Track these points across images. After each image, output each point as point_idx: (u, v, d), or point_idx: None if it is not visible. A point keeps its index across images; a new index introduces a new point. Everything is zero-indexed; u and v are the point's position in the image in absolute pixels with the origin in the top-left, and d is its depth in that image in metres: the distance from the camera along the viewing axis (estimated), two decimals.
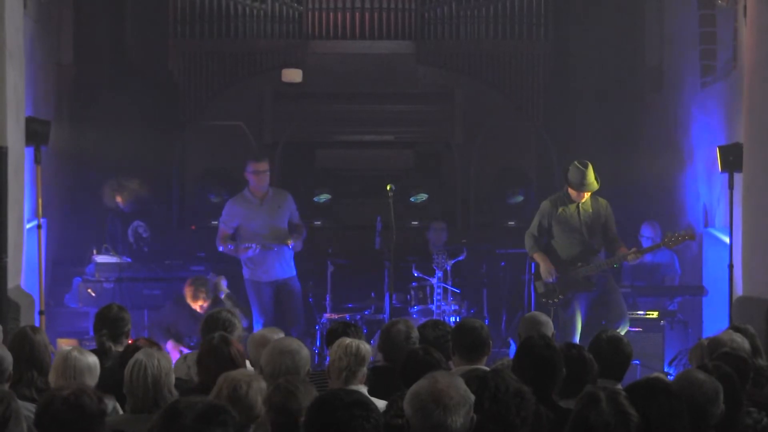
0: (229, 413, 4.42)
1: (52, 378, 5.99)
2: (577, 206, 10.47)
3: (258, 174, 11.16)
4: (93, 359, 6.07)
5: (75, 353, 6.03)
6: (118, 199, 12.42)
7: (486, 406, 4.26)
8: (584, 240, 10.47)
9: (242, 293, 11.42)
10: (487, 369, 5.64)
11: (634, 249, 10.50)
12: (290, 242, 11.07)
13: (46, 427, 4.85)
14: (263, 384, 5.28)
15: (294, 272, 11.28)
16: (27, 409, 5.44)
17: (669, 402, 4.73)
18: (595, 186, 10.34)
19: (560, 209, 10.52)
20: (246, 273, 11.22)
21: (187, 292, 10.57)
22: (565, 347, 5.86)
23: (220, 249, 11.24)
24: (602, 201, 10.50)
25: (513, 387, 4.47)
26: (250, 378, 5.31)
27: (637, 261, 10.60)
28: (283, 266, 11.18)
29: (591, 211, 10.46)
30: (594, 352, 6.14)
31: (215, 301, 10.58)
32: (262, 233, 11.04)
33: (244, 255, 11.04)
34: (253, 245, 10.91)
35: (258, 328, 10.16)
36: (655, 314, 11.23)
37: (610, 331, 6.63)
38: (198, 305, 10.49)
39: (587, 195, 10.42)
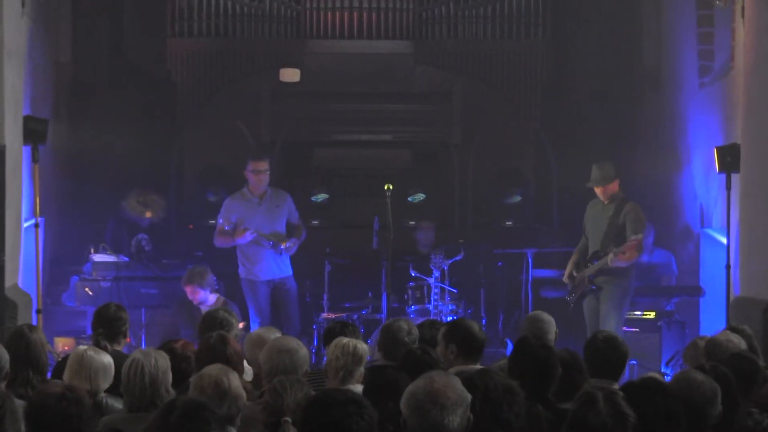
0: (209, 410, 4.48)
1: (66, 377, 5.98)
2: (603, 205, 10.54)
3: (258, 173, 11.16)
4: (108, 359, 6.07)
5: (90, 353, 6.03)
6: (148, 214, 12.37)
7: (478, 406, 4.26)
8: (603, 239, 10.49)
9: (238, 293, 11.41)
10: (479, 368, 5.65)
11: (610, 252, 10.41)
12: (286, 243, 11.07)
13: (38, 424, 4.87)
14: (235, 373, 5.32)
15: (290, 272, 11.27)
16: (22, 407, 5.46)
17: (666, 402, 4.73)
18: (600, 183, 10.46)
19: (591, 206, 10.72)
20: (242, 272, 11.21)
21: (186, 277, 10.58)
22: (563, 352, 5.86)
23: (218, 244, 11.22)
24: (630, 204, 10.47)
25: (502, 384, 4.48)
26: (225, 370, 5.31)
27: (616, 264, 10.44)
28: (280, 266, 11.17)
29: (613, 212, 10.46)
30: (590, 352, 6.15)
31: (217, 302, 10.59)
32: (260, 232, 11.05)
33: (242, 239, 10.98)
34: (251, 229, 10.91)
35: (254, 328, 10.16)
36: (652, 314, 11.23)
37: (606, 331, 6.64)
38: (192, 290, 10.45)
39: (601, 191, 10.53)
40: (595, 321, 10.43)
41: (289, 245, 11.11)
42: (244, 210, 11.11)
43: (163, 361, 5.72)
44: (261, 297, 11.10)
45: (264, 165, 11.23)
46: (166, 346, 6.47)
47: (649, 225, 11.80)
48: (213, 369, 5.32)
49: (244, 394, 5.22)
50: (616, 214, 10.46)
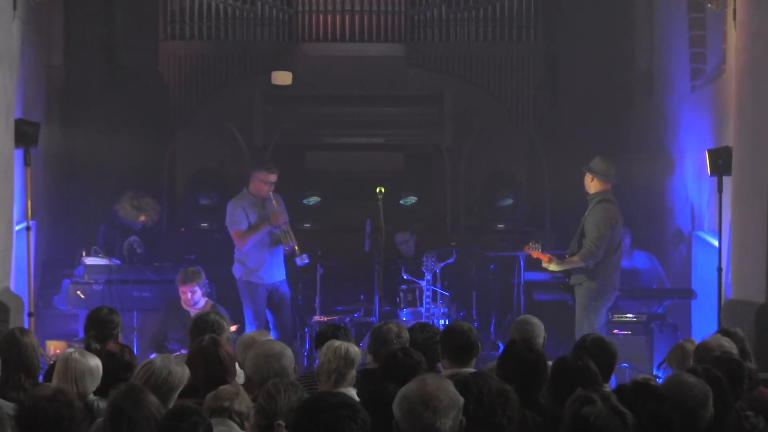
0: (199, 414, 4.53)
1: (54, 380, 5.97)
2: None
3: (269, 184, 11.06)
4: (95, 362, 6.05)
5: (76, 355, 6.02)
6: (143, 218, 12.32)
7: (471, 409, 4.25)
8: (572, 239, 10.53)
9: (231, 295, 11.35)
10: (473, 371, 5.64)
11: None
12: (302, 254, 10.99)
13: (29, 427, 4.87)
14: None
15: (285, 275, 11.24)
16: (14, 410, 5.45)
17: (658, 405, 4.73)
18: (589, 170, 10.43)
19: None
20: (239, 273, 11.08)
21: (182, 277, 10.46)
22: (571, 357, 5.84)
23: (246, 248, 11.03)
24: (599, 205, 10.42)
25: (496, 388, 4.47)
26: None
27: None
28: (280, 269, 11.13)
29: (587, 213, 10.46)
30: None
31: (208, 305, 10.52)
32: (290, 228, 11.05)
33: (279, 223, 10.92)
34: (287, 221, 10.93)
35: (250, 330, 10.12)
36: (633, 318, 11.18)
37: (595, 333, 6.63)
38: (187, 291, 10.34)
39: (585, 179, 10.50)
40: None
41: (304, 256, 11.03)
42: (251, 209, 11.01)
43: (180, 372, 5.70)
44: (260, 301, 10.97)
45: (275, 177, 11.15)
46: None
47: (626, 229, 11.79)
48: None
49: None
50: (588, 214, 10.46)
